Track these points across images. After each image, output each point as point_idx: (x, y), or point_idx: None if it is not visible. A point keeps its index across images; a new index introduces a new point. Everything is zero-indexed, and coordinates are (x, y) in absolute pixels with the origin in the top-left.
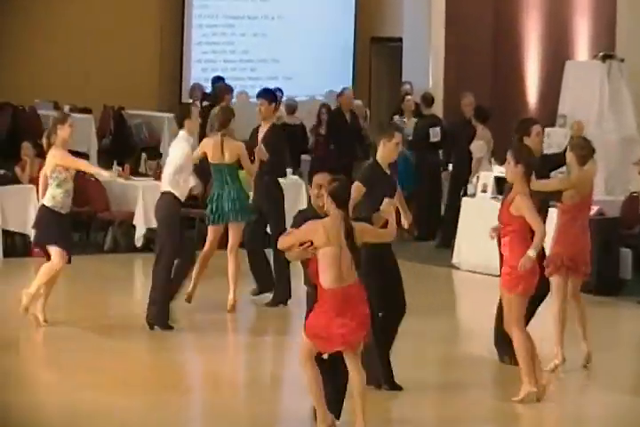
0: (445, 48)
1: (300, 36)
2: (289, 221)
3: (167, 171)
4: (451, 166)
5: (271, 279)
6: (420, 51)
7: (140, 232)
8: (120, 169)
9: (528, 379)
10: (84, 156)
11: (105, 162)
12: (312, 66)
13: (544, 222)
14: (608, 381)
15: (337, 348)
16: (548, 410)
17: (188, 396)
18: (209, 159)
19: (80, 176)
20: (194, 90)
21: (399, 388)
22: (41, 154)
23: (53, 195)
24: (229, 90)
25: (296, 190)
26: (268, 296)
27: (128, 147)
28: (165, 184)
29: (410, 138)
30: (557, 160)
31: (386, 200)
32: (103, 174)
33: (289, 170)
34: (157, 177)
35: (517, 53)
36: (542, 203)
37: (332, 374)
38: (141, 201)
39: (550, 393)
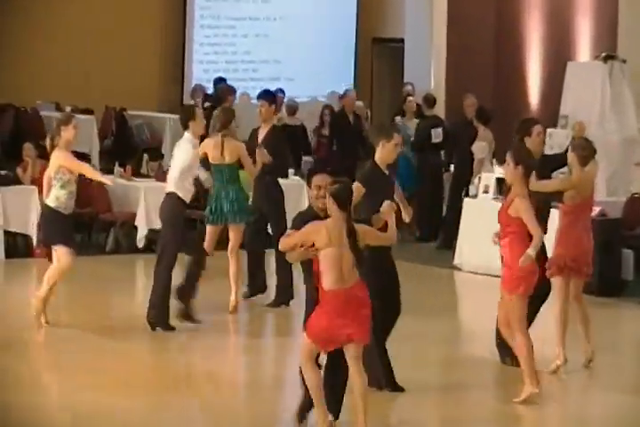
0: (447, 49)
1: (302, 37)
2: (289, 222)
3: (172, 174)
4: (452, 167)
5: (264, 283)
6: (422, 51)
7: (141, 233)
8: (122, 170)
9: (530, 380)
10: (86, 156)
11: (107, 163)
12: (314, 67)
13: (546, 222)
14: (610, 381)
15: (342, 344)
16: (550, 411)
17: (189, 397)
18: (209, 160)
19: (82, 177)
20: (195, 91)
21: (401, 389)
22: (43, 155)
23: (57, 196)
24: (232, 91)
25: (297, 191)
26: (270, 297)
27: (130, 148)
28: (170, 186)
29: (412, 139)
30: (559, 160)
31: (386, 202)
32: (104, 181)
33: (290, 171)
34: (159, 178)
35: (519, 54)
36: (544, 203)
37: (330, 373)
38: (143, 202)
39: (552, 394)
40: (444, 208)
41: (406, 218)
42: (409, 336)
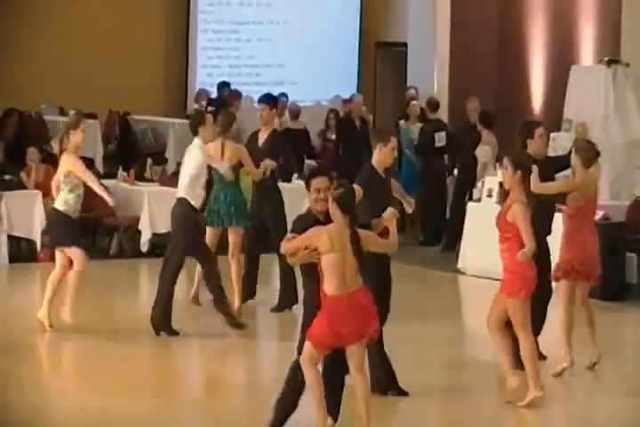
0: (450, 53)
1: (305, 41)
2: (289, 225)
3: (183, 181)
4: (456, 171)
5: (254, 288)
6: (426, 56)
7: (145, 237)
8: (125, 174)
9: (534, 384)
10: (90, 162)
11: (110, 167)
12: (317, 71)
13: (550, 223)
14: (614, 384)
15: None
16: (554, 414)
17: (193, 400)
18: (210, 162)
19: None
20: (199, 95)
21: (405, 393)
22: (46, 159)
23: (66, 199)
24: (238, 96)
25: (300, 195)
26: (272, 302)
27: (133, 152)
28: (181, 192)
29: (415, 143)
30: (562, 162)
31: (389, 209)
32: (105, 197)
33: (294, 175)
34: (163, 182)
35: (522, 58)
36: (547, 205)
37: (329, 374)
38: (147, 206)
39: (556, 397)
40: (448, 212)
41: (409, 209)
42: (412, 339)
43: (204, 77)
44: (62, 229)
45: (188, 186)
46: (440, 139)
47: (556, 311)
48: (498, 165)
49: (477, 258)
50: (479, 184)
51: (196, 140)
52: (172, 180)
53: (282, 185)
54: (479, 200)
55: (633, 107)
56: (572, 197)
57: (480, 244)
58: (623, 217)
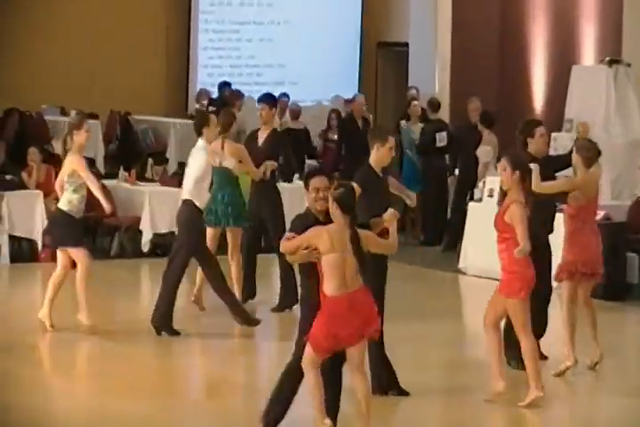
0: (452, 53)
1: (306, 40)
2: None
3: (187, 182)
4: (457, 171)
5: (254, 288)
6: (427, 55)
7: (146, 237)
8: (126, 174)
9: (535, 384)
10: (91, 161)
11: (111, 167)
12: (318, 71)
13: (552, 221)
14: (615, 384)
15: (346, 347)
16: (555, 414)
17: (193, 400)
18: (218, 159)
19: None
20: (200, 95)
21: (406, 393)
22: (47, 159)
23: (70, 199)
24: (240, 96)
25: (301, 195)
26: (272, 302)
27: (134, 152)
28: (186, 194)
29: (416, 143)
30: (563, 161)
31: (390, 210)
32: (103, 202)
33: (295, 175)
34: (164, 182)
35: (523, 58)
36: (543, 203)
37: (329, 377)
38: (148, 206)
39: (558, 397)
40: (449, 212)
41: (410, 202)
42: (413, 339)
43: (205, 77)
44: (66, 229)
45: (193, 187)
46: (441, 139)
47: (556, 311)
48: (498, 164)
49: (478, 258)
50: (480, 184)
51: (200, 142)
52: (173, 180)
53: (283, 185)
54: (480, 200)
55: (634, 107)
56: (573, 196)
57: (481, 244)
58: (624, 217)
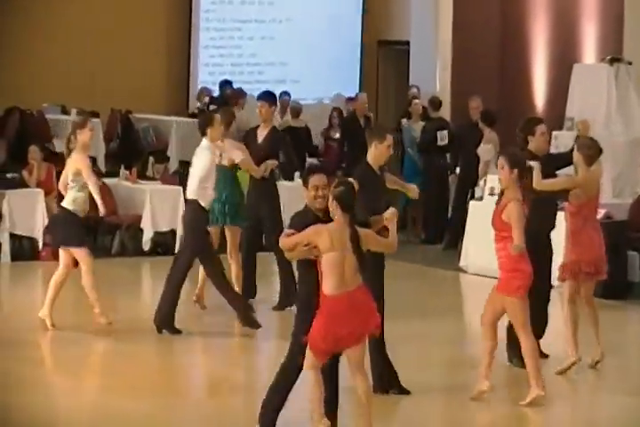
0: (453, 51)
1: (308, 39)
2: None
3: (192, 182)
4: (458, 169)
5: (254, 288)
6: (428, 54)
7: (147, 236)
8: (127, 173)
9: (536, 382)
10: (92, 159)
11: (112, 166)
12: (319, 69)
13: (553, 219)
14: (616, 383)
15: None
16: (556, 413)
17: (195, 399)
18: (226, 153)
19: None
20: (201, 93)
21: (407, 392)
22: (48, 158)
23: (74, 198)
24: (243, 94)
25: (302, 193)
26: (273, 300)
27: (135, 150)
28: (191, 194)
29: (417, 141)
30: (564, 159)
31: (390, 209)
32: (99, 204)
33: (296, 173)
34: (165, 181)
35: (525, 57)
36: (543, 201)
37: (326, 376)
38: (149, 205)
39: (559, 396)
40: (450, 210)
41: (412, 194)
42: (414, 337)
43: (206, 76)
44: (70, 228)
45: (198, 187)
46: (442, 137)
47: (556, 310)
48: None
49: (479, 256)
50: (481, 182)
51: (204, 142)
52: (174, 178)
53: (284, 183)
54: (481, 198)
55: (635, 105)
56: (574, 193)
57: (482, 242)
58: (625, 215)
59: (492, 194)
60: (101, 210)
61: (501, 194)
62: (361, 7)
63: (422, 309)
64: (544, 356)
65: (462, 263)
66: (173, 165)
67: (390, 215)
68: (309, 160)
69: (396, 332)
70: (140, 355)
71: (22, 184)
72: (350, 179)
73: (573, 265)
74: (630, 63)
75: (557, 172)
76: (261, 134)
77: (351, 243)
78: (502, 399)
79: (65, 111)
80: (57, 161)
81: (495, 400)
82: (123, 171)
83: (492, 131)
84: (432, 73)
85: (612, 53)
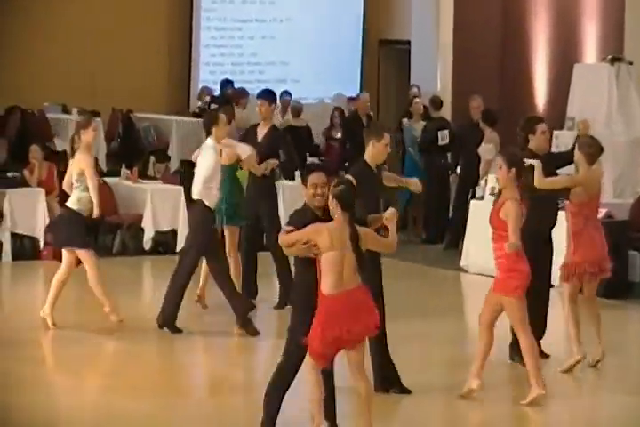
0: (453, 51)
1: (309, 38)
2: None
3: (197, 182)
4: (459, 169)
5: (255, 287)
6: (429, 53)
7: (148, 235)
8: (128, 172)
9: (536, 381)
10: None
11: (113, 165)
12: (320, 69)
13: (554, 217)
14: (617, 383)
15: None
16: (557, 412)
17: (196, 399)
18: (232, 149)
19: None
20: (202, 93)
21: (408, 391)
22: (49, 157)
23: (79, 198)
24: (245, 94)
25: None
26: (273, 300)
27: (136, 150)
28: (196, 194)
29: (418, 141)
30: (565, 158)
31: (390, 209)
32: (95, 207)
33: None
34: (165, 180)
35: (525, 56)
36: (543, 200)
37: (328, 376)
38: (150, 204)
39: (559, 395)
40: (451, 210)
41: (415, 188)
42: (415, 337)
43: (207, 75)
44: (74, 228)
45: (203, 187)
46: (443, 137)
47: (557, 310)
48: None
49: (480, 256)
50: (482, 182)
51: (209, 141)
52: (175, 177)
53: (285, 182)
54: (482, 198)
55: (636, 105)
56: (574, 192)
57: (483, 242)
58: (626, 215)
59: (492, 194)
60: (96, 212)
61: (499, 193)
62: (362, 7)
63: (423, 308)
64: (545, 356)
65: (463, 263)
66: (174, 165)
67: (390, 215)
68: (310, 160)
69: (396, 331)
70: (140, 354)
71: (23, 183)
72: (347, 176)
73: (577, 267)
74: (631, 63)
75: (557, 171)
76: (261, 132)
77: (351, 242)
78: (503, 399)
79: (66, 110)
80: (58, 160)
81: (495, 399)
82: (124, 170)
83: (493, 130)
84: (433, 72)
85: (613, 53)
